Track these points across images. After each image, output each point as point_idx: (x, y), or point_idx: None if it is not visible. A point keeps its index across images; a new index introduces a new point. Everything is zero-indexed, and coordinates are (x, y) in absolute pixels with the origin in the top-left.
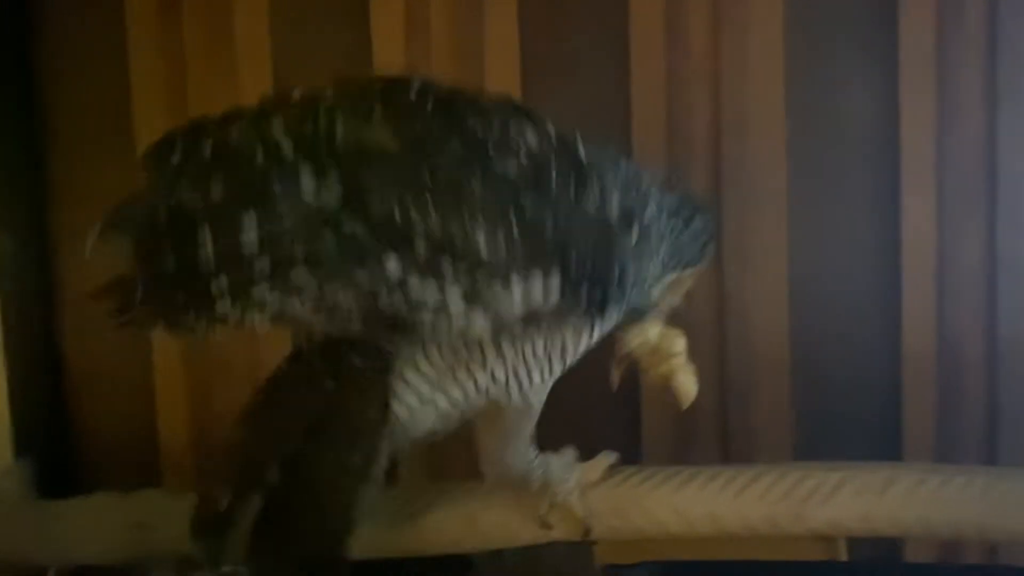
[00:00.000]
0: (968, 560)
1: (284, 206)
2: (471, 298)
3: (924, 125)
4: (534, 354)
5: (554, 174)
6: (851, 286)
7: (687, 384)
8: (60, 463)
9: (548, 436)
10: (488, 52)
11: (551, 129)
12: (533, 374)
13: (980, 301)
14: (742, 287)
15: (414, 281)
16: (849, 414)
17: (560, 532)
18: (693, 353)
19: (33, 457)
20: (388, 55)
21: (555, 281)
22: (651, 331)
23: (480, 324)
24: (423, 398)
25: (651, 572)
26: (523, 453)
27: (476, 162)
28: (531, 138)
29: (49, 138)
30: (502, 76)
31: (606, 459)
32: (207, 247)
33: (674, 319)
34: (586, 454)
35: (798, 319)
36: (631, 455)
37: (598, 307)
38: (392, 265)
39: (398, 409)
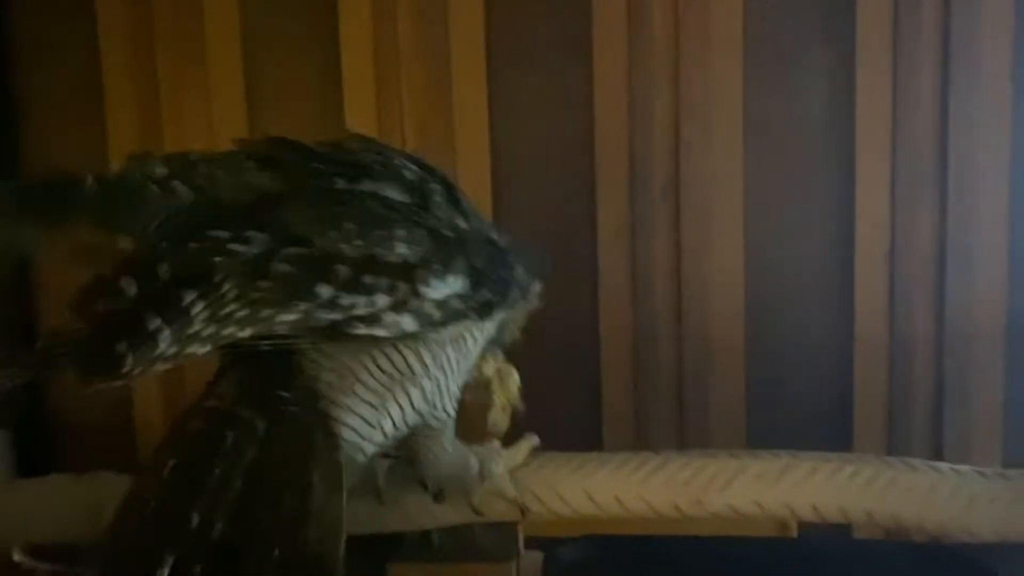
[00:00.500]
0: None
1: (221, 275)
2: (397, 305)
3: (879, 113)
4: (449, 365)
5: (436, 195)
6: (806, 271)
7: (498, 423)
8: (37, 441)
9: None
10: (453, 41)
11: (414, 162)
12: (451, 384)
13: (931, 288)
14: (699, 271)
15: (344, 298)
16: (802, 396)
17: (495, 515)
18: (652, 334)
19: (10, 432)
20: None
21: (464, 279)
22: (487, 366)
23: (408, 324)
24: (369, 422)
25: (587, 548)
26: (457, 454)
27: (367, 193)
28: (406, 167)
29: (23, 116)
30: (468, 63)
31: (529, 442)
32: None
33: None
34: (548, 438)
35: (754, 303)
36: (592, 437)
37: (499, 303)
38: (323, 290)
39: (346, 434)
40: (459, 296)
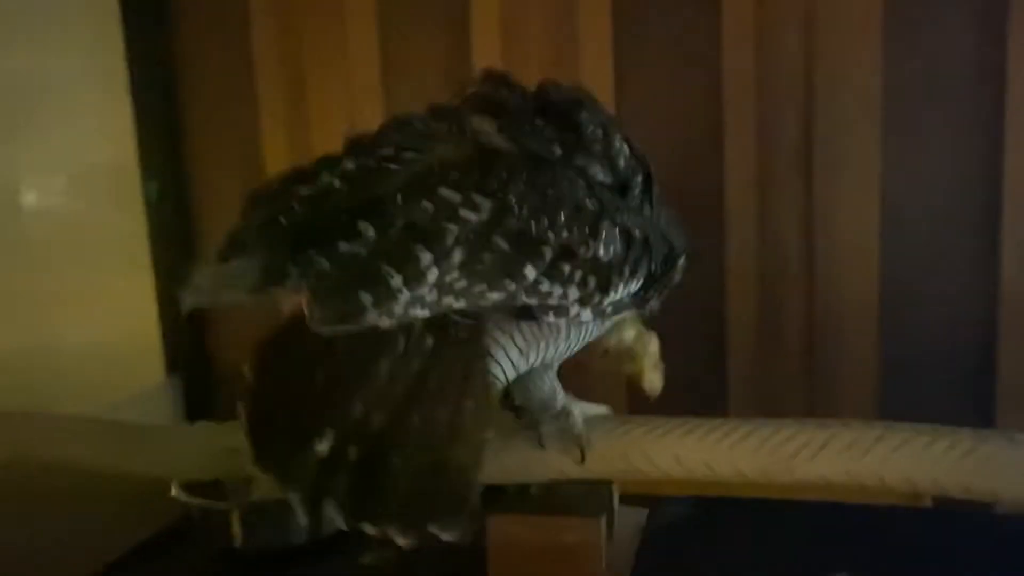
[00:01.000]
0: None
1: (452, 240)
2: (585, 298)
3: None
4: (587, 329)
5: (636, 185)
6: (947, 227)
7: (654, 382)
8: (204, 388)
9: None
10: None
11: (632, 143)
12: (574, 347)
13: None
14: (832, 227)
15: (544, 283)
16: (940, 362)
17: (556, 450)
18: (781, 293)
19: (180, 379)
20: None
21: (641, 282)
22: (627, 333)
23: (587, 316)
24: (515, 364)
25: (693, 507)
26: (550, 387)
27: (581, 171)
28: (624, 148)
29: (184, 95)
30: (593, 26)
31: (604, 408)
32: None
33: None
34: (672, 398)
35: (889, 261)
36: (717, 398)
37: (651, 300)
38: (529, 271)
39: (495, 370)
40: (632, 295)
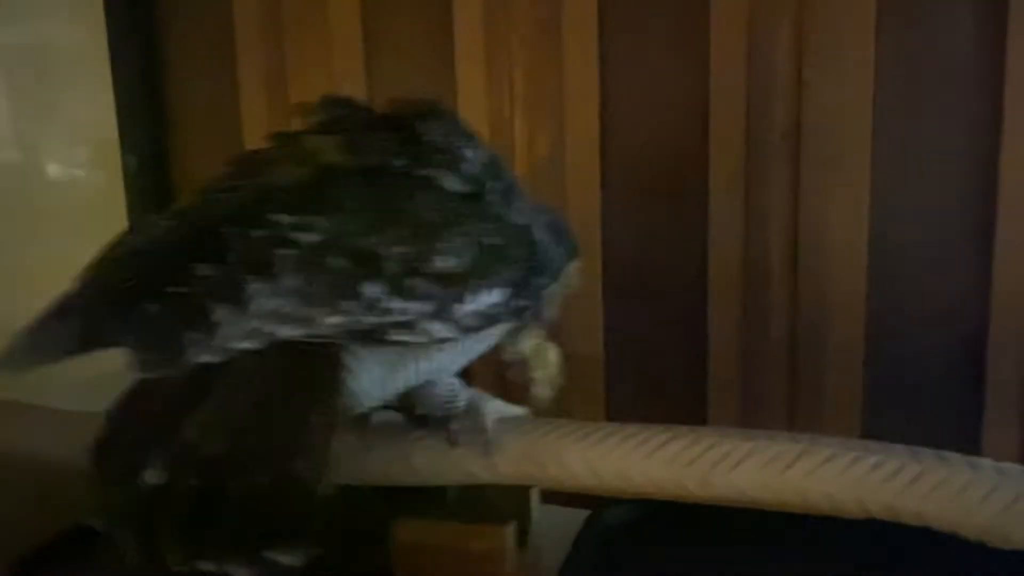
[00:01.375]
0: None
1: (280, 267)
2: (434, 313)
3: None
4: (469, 346)
5: (488, 191)
6: (940, 223)
7: (540, 394)
8: None
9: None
10: None
11: (484, 147)
12: (459, 361)
13: None
14: (819, 222)
15: (385, 301)
16: (930, 359)
17: (466, 446)
18: (765, 288)
19: None
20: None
21: (502, 291)
22: (524, 343)
23: (442, 332)
24: (373, 380)
25: (638, 510)
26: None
27: (425, 180)
28: (470, 155)
29: (165, 69)
30: (579, 7)
31: (521, 409)
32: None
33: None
34: (653, 392)
35: (879, 257)
36: (697, 394)
37: (533, 314)
38: (368, 290)
39: (352, 383)
40: (495, 305)
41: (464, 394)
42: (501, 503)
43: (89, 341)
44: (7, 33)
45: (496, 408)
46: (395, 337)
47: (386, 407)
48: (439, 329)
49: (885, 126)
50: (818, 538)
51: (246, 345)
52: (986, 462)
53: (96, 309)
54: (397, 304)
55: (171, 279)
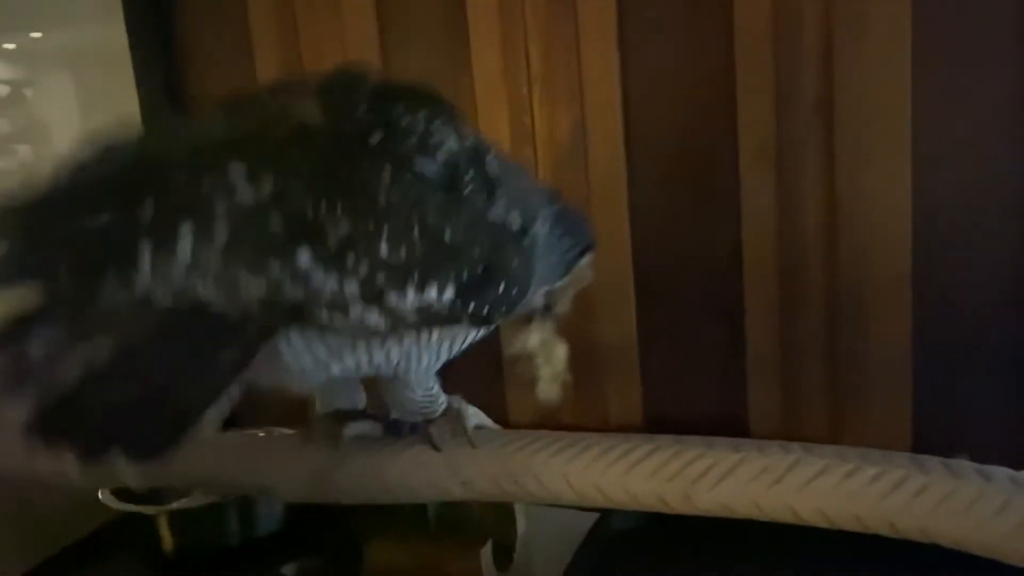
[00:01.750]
0: None
1: (219, 211)
2: (367, 296)
3: None
4: (428, 342)
5: (467, 182)
6: (985, 194)
7: (549, 392)
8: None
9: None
10: None
11: (469, 134)
12: (423, 358)
13: None
14: (857, 196)
15: (318, 274)
16: (978, 343)
17: (448, 447)
18: (802, 267)
19: None
20: None
21: (449, 290)
22: (532, 338)
23: (375, 320)
24: (318, 361)
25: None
26: (426, 393)
27: (395, 160)
28: (451, 142)
29: (186, 67)
30: None
31: (491, 423)
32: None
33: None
34: (687, 380)
35: (922, 233)
36: (734, 380)
37: (484, 319)
38: (302, 258)
39: (293, 365)
40: (438, 304)
41: (443, 399)
42: (484, 520)
43: (10, 275)
44: (34, 38)
45: (475, 413)
46: (325, 319)
47: (363, 413)
48: (373, 319)
49: (924, 91)
50: (828, 546)
51: (167, 302)
52: (1000, 471)
53: (33, 234)
54: (328, 280)
55: (112, 215)
